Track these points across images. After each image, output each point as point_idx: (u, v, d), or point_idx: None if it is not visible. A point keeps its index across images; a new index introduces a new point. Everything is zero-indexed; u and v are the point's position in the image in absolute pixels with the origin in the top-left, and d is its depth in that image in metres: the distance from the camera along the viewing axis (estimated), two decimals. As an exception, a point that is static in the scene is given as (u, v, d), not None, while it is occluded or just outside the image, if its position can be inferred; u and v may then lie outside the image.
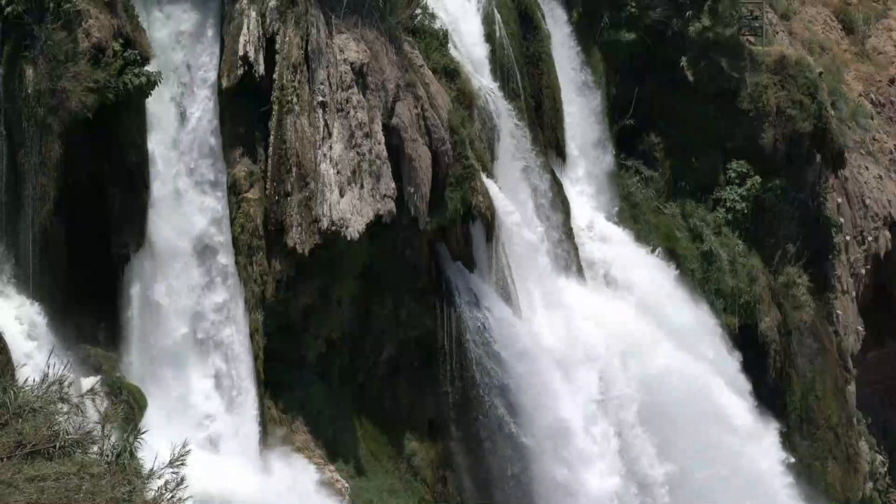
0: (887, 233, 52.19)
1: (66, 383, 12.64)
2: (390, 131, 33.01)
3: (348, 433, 33.51)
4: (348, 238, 31.70)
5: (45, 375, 12.73)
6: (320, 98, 31.94)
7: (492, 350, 34.84)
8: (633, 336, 39.81)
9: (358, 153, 32.17)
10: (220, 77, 31.33)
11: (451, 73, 36.35)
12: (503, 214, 36.18)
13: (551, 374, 36.26)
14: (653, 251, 43.42)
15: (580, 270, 40.24)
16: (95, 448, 12.43)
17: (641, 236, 43.51)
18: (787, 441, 44.41)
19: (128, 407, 27.30)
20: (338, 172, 31.82)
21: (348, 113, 32.28)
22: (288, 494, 30.82)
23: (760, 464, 41.65)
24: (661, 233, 44.67)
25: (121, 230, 29.23)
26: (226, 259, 31.42)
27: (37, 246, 27.66)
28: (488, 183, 36.08)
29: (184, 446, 11.86)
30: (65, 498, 11.54)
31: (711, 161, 46.16)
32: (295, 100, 31.64)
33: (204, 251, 31.20)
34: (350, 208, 31.78)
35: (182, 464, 11.88)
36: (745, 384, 43.03)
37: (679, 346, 40.49)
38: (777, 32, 50.53)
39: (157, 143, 30.17)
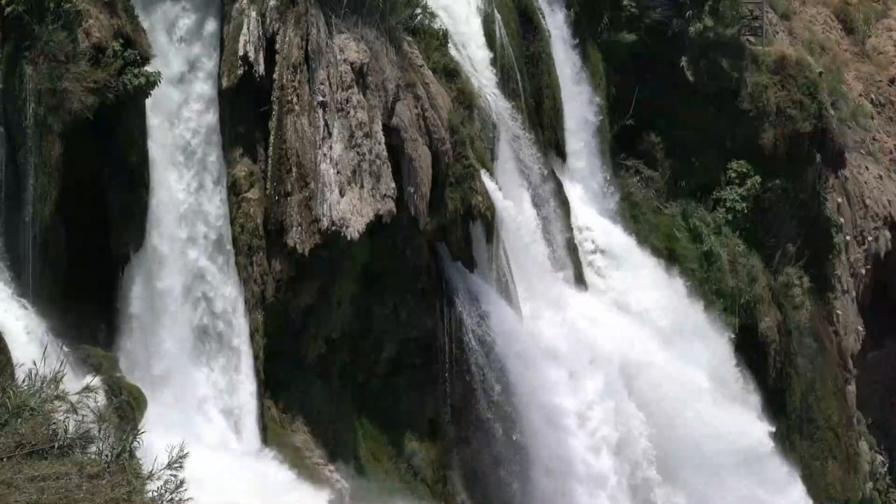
0: (887, 233, 52.17)
1: (60, 379, 12.63)
2: (390, 131, 33.02)
3: (348, 433, 33.53)
4: (348, 238, 31.71)
5: (30, 372, 12.71)
6: (320, 98, 31.95)
7: (492, 350, 34.85)
8: (633, 337, 39.81)
9: (358, 153, 32.18)
10: (220, 77, 31.35)
11: (451, 73, 36.35)
12: (503, 214, 36.18)
13: (551, 375, 36.27)
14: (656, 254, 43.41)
15: (580, 270, 40.24)
16: (94, 448, 12.43)
17: (641, 236, 43.48)
18: (787, 441, 44.41)
19: (127, 407, 27.31)
20: (338, 172, 31.83)
21: (348, 113, 32.29)
22: (287, 495, 30.81)
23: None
24: (661, 233, 44.65)
25: (121, 230, 29.25)
26: (225, 259, 31.44)
27: (37, 246, 27.67)
28: (488, 183, 36.08)
29: (181, 448, 11.86)
30: (64, 498, 11.54)
31: (711, 161, 46.15)
32: (295, 100, 31.66)
33: (203, 251, 31.22)
34: (350, 208, 31.79)
35: (180, 466, 11.88)
36: (739, 384, 43.03)
37: (678, 349, 40.47)
38: (777, 32, 50.52)
39: (157, 144, 30.20)
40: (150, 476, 11.91)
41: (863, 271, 51.19)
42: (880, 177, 52.97)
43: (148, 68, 28.82)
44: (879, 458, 51.55)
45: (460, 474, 35.25)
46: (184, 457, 11.89)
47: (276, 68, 31.69)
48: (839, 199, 49.96)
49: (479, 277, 35.68)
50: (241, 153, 31.87)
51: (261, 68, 31.38)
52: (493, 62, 39.00)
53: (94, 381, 24.57)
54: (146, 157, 29.51)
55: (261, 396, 31.66)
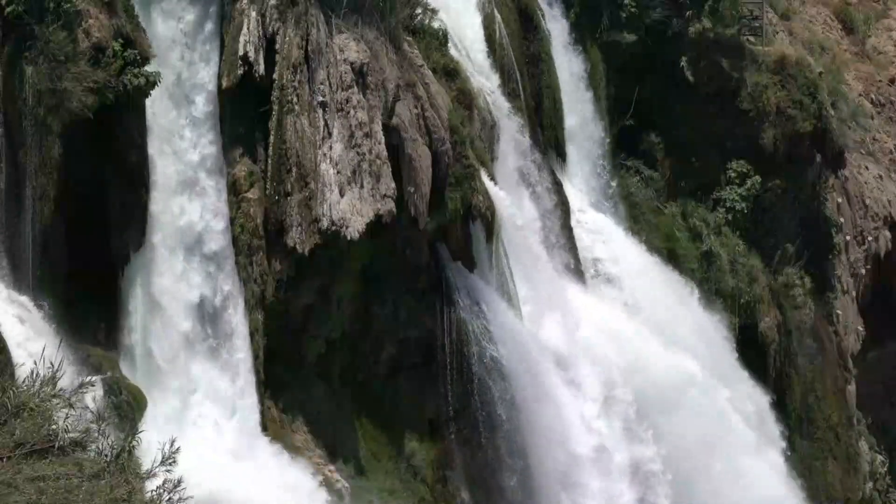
0: (887, 233, 52.12)
1: (59, 378, 12.63)
2: (390, 131, 33.02)
3: (348, 433, 33.53)
4: (348, 238, 31.72)
5: (32, 372, 12.72)
6: (320, 98, 31.96)
7: (491, 350, 34.84)
8: (633, 336, 39.80)
9: (358, 153, 32.19)
10: (220, 77, 31.38)
11: (451, 73, 36.36)
12: (503, 214, 36.18)
13: (551, 374, 36.27)
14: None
15: (580, 270, 40.24)
16: (94, 447, 12.43)
17: (641, 236, 43.49)
18: (787, 441, 44.43)
19: (127, 406, 27.32)
20: (338, 172, 31.84)
21: (348, 113, 32.30)
22: (288, 494, 30.82)
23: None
24: (661, 233, 44.65)
25: (121, 230, 29.26)
26: (225, 259, 31.45)
27: (37, 246, 27.70)
28: (488, 183, 36.09)
29: (172, 444, 11.86)
30: (64, 498, 11.54)
31: (711, 161, 46.13)
32: (295, 100, 31.67)
33: (203, 251, 31.23)
34: (350, 208, 31.79)
35: (173, 462, 11.88)
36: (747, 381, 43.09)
37: (679, 348, 40.48)
38: (777, 32, 50.46)
39: (157, 143, 30.21)
40: (149, 475, 11.91)
41: (863, 271, 51.14)
42: (880, 177, 52.92)
43: (148, 68, 28.86)
44: (879, 458, 51.52)
45: (460, 474, 35.24)
46: (175, 452, 11.88)
47: (276, 68, 31.71)
48: (839, 199, 49.91)
49: (478, 277, 35.68)
50: (241, 153, 31.88)
51: (261, 68, 31.40)
52: (493, 62, 39.02)
53: (91, 379, 24.62)
54: (146, 157, 29.55)
55: (261, 396, 31.66)
